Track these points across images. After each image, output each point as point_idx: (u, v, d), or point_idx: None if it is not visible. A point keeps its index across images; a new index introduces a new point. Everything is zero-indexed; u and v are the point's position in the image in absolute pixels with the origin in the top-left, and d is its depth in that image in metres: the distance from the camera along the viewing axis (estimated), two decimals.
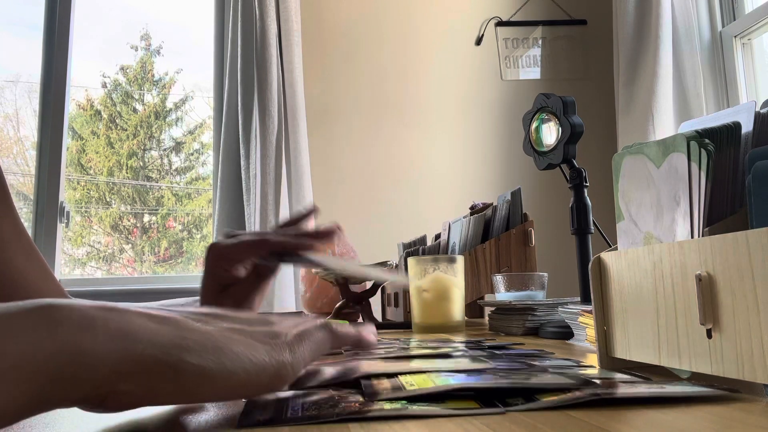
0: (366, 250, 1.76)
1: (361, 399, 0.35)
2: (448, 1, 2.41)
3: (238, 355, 0.31)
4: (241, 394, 0.32)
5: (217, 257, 0.59)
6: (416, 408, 0.33)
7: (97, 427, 0.32)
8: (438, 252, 1.34)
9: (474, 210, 1.33)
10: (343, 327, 0.40)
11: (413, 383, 0.37)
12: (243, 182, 2.11)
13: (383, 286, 1.38)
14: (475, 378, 0.38)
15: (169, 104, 2.89)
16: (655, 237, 0.46)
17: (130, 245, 2.93)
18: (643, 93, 2.11)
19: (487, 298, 1.16)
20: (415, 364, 0.46)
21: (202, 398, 0.31)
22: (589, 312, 0.63)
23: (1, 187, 0.61)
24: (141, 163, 2.88)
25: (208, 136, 2.57)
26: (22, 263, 0.62)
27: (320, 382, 0.40)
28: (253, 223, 2.04)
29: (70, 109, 2.37)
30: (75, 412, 0.35)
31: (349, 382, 0.40)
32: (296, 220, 0.65)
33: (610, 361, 0.47)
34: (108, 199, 2.91)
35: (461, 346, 0.64)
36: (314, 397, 0.36)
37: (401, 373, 0.41)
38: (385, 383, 0.38)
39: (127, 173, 2.84)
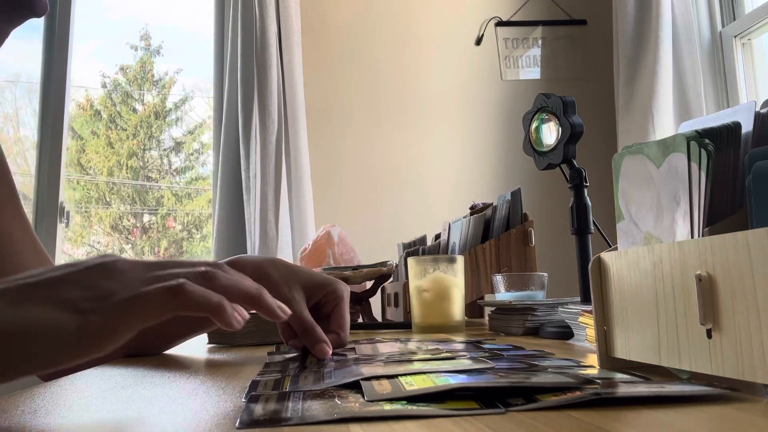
0: (366, 250, 1.76)
1: (361, 399, 0.35)
2: (448, 1, 2.41)
3: (28, 310, 0.31)
4: (36, 352, 0.32)
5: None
6: (416, 408, 0.33)
7: (97, 428, 0.32)
8: (438, 252, 1.34)
9: (474, 210, 1.33)
10: (205, 296, 0.35)
11: (413, 383, 0.38)
12: (243, 182, 2.11)
13: (383, 286, 1.38)
14: (475, 378, 0.38)
15: (169, 104, 2.89)
16: (655, 237, 0.46)
17: (130, 245, 2.92)
18: (643, 93, 2.11)
19: (487, 298, 1.16)
20: (417, 366, 0.45)
21: None
22: (589, 312, 0.63)
23: (10, 190, 0.62)
24: (141, 163, 2.88)
25: (208, 136, 2.57)
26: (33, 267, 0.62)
27: (321, 386, 0.40)
28: (253, 223, 2.04)
29: (70, 109, 2.37)
30: (72, 416, 0.35)
31: (350, 384, 0.40)
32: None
33: (610, 361, 0.47)
34: (108, 199, 2.91)
35: (462, 348, 0.64)
36: (314, 398, 0.36)
37: (402, 375, 0.41)
38: (386, 384, 0.38)
39: (127, 173, 2.84)
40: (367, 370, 0.43)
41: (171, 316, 0.34)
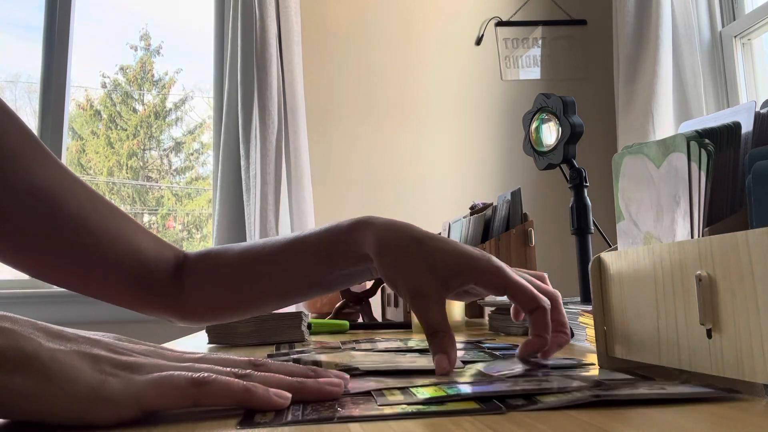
0: None
1: (361, 402, 0.35)
2: (448, 1, 2.41)
3: (47, 374, 0.30)
4: (40, 412, 0.30)
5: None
6: (416, 409, 0.33)
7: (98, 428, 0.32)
8: None
9: (474, 210, 1.33)
10: (228, 385, 0.33)
11: (425, 393, 0.37)
12: (243, 182, 2.11)
13: (383, 286, 1.38)
14: (485, 387, 0.38)
15: (169, 104, 2.89)
16: (655, 237, 0.46)
17: None
18: (643, 93, 2.11)
19: (488, 298, 1.16)
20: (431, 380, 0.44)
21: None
22: (589, 312, 0.63)
23: (29, 138, 0.54)
24: (141, 163, 2.88)
25: (208, 136, 2.57)
26: (91, 212, 0.56)
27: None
28: (253, 223, 2.04)
29: (70, 109, 2.37)
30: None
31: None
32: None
33: (610, 361, 0.47)
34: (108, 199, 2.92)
35: (462, 348, 0.64)
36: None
37: (414, 387, 0.40)
38: (397, 394, 0.37)
39: (127, 173, 2.84)
40: (378, 384, 0.41)
41: (189, 405, 0.33)
